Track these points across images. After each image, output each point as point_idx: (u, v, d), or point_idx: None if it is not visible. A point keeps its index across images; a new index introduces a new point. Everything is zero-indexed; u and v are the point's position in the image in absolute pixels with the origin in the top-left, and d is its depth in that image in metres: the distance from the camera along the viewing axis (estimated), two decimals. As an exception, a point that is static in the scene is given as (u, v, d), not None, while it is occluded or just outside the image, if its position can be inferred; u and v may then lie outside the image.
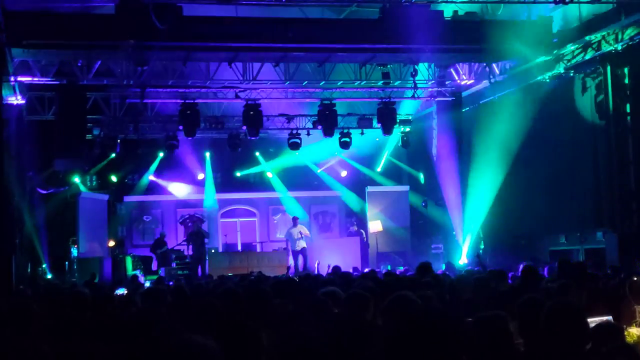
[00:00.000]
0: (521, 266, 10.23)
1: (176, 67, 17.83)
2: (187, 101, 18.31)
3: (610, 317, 5.56)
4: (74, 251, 19.98)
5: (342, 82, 18.96)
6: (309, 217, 24.59)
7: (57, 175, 20.68)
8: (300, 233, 20.16)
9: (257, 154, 24.22)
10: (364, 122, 20.94)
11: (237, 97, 18.65)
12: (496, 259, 17.42)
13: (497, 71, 18.13)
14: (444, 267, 14.90)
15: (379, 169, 24.83)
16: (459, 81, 19.21)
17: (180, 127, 18.90)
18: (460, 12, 16.11)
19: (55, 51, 15.42)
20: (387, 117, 19.30)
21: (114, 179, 22.87)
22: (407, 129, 21.30)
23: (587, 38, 15.13)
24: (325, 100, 19.16)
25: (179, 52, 15.69)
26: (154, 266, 20.88)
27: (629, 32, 14.13)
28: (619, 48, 14.46)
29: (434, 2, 15.39)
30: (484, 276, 8.35)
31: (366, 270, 15.42)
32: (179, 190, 23.59)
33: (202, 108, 19.02)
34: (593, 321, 4.84)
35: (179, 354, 2.69)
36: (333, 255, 19.50)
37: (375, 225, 22.29)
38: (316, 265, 19.46)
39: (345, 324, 3.87)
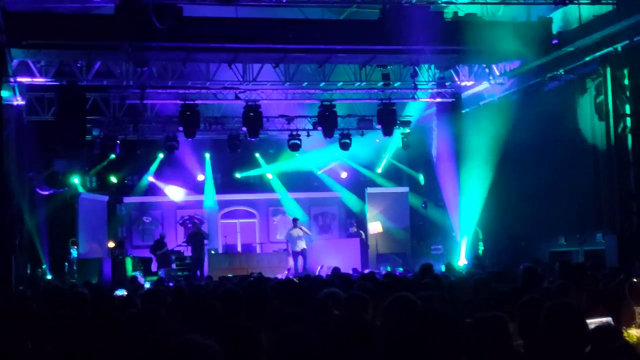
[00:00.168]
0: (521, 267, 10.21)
1: (176, 68, 17.85)
2: (187, 102, 18.30)
3: (610, 319, 5.55)
4: (74, 252, 19.96)
5: (342, 83, 18.97)
6: (309, 218, 24.59)
7: (57, 175, 20.68)
8: (301, 230, 20.19)
9: (257, 155, 24.21)
10: (364, 124, 20.94)
11: (237, 98, 18.65)
12: (496, 260, 17.42)
13: (497, 72, 18.15)
14: (443, 268, 14.88)
15: (379, 171, 24.83)
16: (458, 82, 19.22)
17: (180, 128, 18.89)
18: (461, 13, 16.13)
19: (55, 52, 15.45)
20: (387, 119, 19.30)
21: (113, 179, 22.85)
22: (407, 131, 21.28)
23: (586, 39, 15.13)
24: (325, 102, 19.16)
25: (178, 53, 15.70)
26: (154, 267, 20.87)
27: (629, 33, 14.13)
28: (619, 49, 14.46)
29: (434, 3, 15.40)
30: (484, 277, 8.35)
31: (366, 271, 15.43)
32: (175, 193, 23.54)
33: (202, 109, 19.02)
34: (593, 322, 4.84)
35: (179, 354, 2.69)
36: (333, 257, 19.50)
37: (375, 227, 22.29)
38: (319, 269, 19.40)
39: (344, 325, 3.86)
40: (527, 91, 17.84)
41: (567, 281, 7.32)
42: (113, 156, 20.79)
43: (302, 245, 20.10)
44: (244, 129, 19.24)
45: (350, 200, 24.97)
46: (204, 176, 23.97)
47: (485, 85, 18.85)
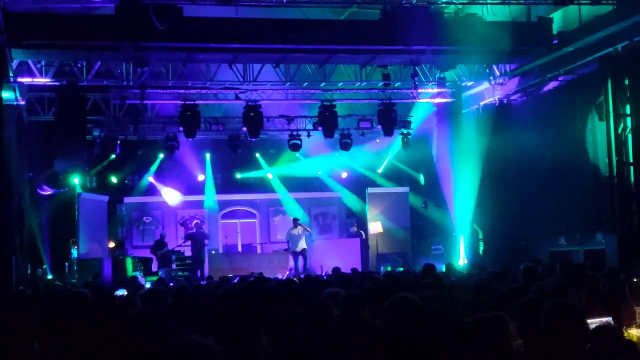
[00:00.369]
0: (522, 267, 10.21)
1: (176, 68, 17.85)
2: (187, 102, 18.30)
3: (610, 319, 5.56)
4: (74, 252, 19.97)
5: (342, 83, 18.97)
6: (310, 218, 24.59)
7: (57, 176, 20.67)
8: (302, 227, 20.18)
9: (258, 155, 24.22)
10: (364, 124, 20.94)
11: (237, 98, 18.65)
12: (496, 260, 17.43)
13: (497, 72, 18.15)
14: (444, 268, 14.88)
15: (380, 171, 24.84)
16: (459, 82, 19.23)
17: (181, 128, 18.89)
18: (461, 14, 16.13)
19: (56, 52, 15.45)
20: (387, 119, 19.30)
21: (114, 180, 22.85)
22: (407, 131, 21.30)
23: (587, 39, 15.13)
24: (326, 102, 19.16)
25: (179, 53, 15.71)
26: (154, 267, 20.87)
27: (629, 33, 14.13)
28: (619, 49, 14.46)
29: (434, 3, 15.41)
30: (484, 277, 8.35)
31: (363, 271, 15.43)
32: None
33: (202, 109, 19.01)
34: (593, 322, 4.84)
35: (179, 354, 2.69)
36: (333, 257, 19.50)
37: (375, 227, 22.31)
38: (320, 268, 19.42)
39: (344, 325, 3.86)
40: (527, 91, 17.85)
41: (567, 281, 7.33)
42: (113, 156, 20.80)
43: (302, 245, 20.12)
44: (245, 129, 19.24)
45: (351, 200, 24.98)
46: (204, 176, 23.98)
47: (485, 86, 18.86)
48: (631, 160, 14.61)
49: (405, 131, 21.21)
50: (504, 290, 7.37)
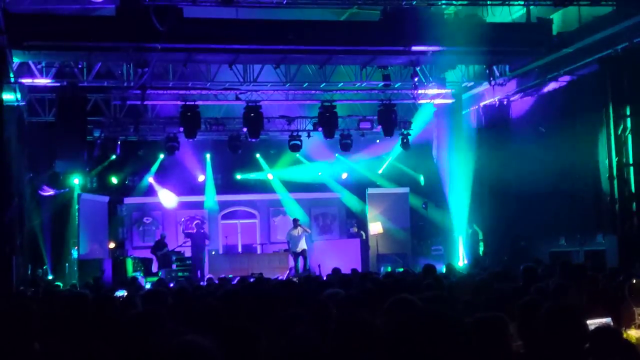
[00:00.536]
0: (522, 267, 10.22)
1: (177, 69, 17.87)
2: (187, 103, 18.31)
3: (609, 319, 5.56)
4: (74, 253, 19.97)
5: (342, 84, 18.98)
6: (310, 218, 24.60)
7: (58, 176, 20.68)
8: (301, 228, 20.20)
9: (258, 155, 24.22)
10: (364, 124, 20.95)
11: (237, 98, 18.66)
12: (496, 260, 17.43)
13: (497, 73, 18.16)
14: (444, 268, 14.89)
15: (380, 171, 24.85)
16: (459, 83, 19.24)
17: (181, 129, 18.90)
18: (461, 15, 16.15)
19: (56, 53, 15.47)
20: (387, 119, 19.31)
21: (114, 180, 22.85)
22: (407, 132, 21.31)
23: (586, 40, 15.14)
24: (326, 102, 19.16)
25: (179, 54, 15.72)
26: (154, 268, 20.88)
27: (629, 34, 14.15)
28: (619, 50, 14.48)
29: (434, 4, 15.42)
30: (485, 278, 8.36)
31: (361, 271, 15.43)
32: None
33: (202, 110, 19.01)
34: (592, 323, 4.85)
35: (177, 354, 2.70)
36: (333, 257, 19.50)
37: (375, 227, 22.31)
38: (318, 268, 19.44)
39: (344, 326, 3.87)
40: (527, 92, 17.86)
41: (567, 281, 7.33)
42: (114, 157, 20.81)
43: (302, 245, 20.12)
44: (245, 129, 19.25)
45: (351, 200, 24.99)
46: (204, 177, 23.98)
47: (485, 86, 18.87)
48: (631, 161, 14.63)
49: (405, 132, 21.21)
50: (504, 291, 7.38)
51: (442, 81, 18.79)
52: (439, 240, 21.50)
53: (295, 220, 20.69)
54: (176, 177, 23.42)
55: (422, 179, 23.48)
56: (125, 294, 10.54)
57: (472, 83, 19.18)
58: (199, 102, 18.67)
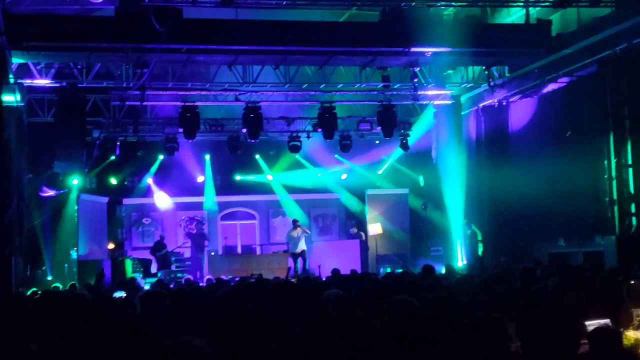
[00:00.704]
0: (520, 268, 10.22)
1: (176, 70, 17.86)
2: (187, 104, 18.31)
3: (608, 320, 5.57)
4: (74, 254, 19.96)
5: (342, 84, 18.98)
6: (309, 219, 24.60)
7: (57, 177, 20.68)
8: (301, 229, 20.20)
9: (257, 156, 24.21)
10: (364, 125, 20.95)
11: (237, 99, 18.66)
12: (495, 261, 17.43)
13: (496, 74, 18.17)
14: (443, 269, 14.90)
15: (380, 172, 24.86)
16: (458, 84, 19.25)
17: (180, 130, 18.89)
18: (460, 15, 16.15)
19: (56, 53, 15.45)
20: (387, 120, 19.31)
21: (113, 181, 22.83)
22: (407, 132, 21.32)
23: (586, 41, 15.14)
24: (325, 103, 19.16)
25: (179, 55, 15.70)
26: (154, 269, 20.88)
27: (628, 35, 14.15)
28: (618, 51, 14.48)
29: (434, 5, 15.43)
30: (484, 279, 8.37)
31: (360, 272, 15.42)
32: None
33: (201, 110, 19.02)
34: (591, 324, 4.86)
35: (171, 355, 2.70)
36: (332, 258, 19.51)
37: (375, 228, 22.32)
38: (317, 268, 19.44)
39: (343, 326, 3.87)
40: (526, 93, 17.86)
41: (566, 282, 7.34)
42: (113, 157, 20.80)
43: (302, 246, 20.12)
44: (244, 130, 19.25)
45: (350, 201, 24.99)
46: (204, 177, 23.98)
47: (484, 87, 18.88)
48: (630, 162, 14.62)
49: (404, 132, 21.21)
50: (502, 292, 7.39)
51: (442, 82, 18.79)
52: (438, 241, 21.51)
53: (294, 221, 20.69)
54: (175, 178, 23.40)
55: (421, 180, 23.48)
56: (124, 294, 10.53)
57: (471, 84, 19.18)
58: (199, 103, 18.67)
